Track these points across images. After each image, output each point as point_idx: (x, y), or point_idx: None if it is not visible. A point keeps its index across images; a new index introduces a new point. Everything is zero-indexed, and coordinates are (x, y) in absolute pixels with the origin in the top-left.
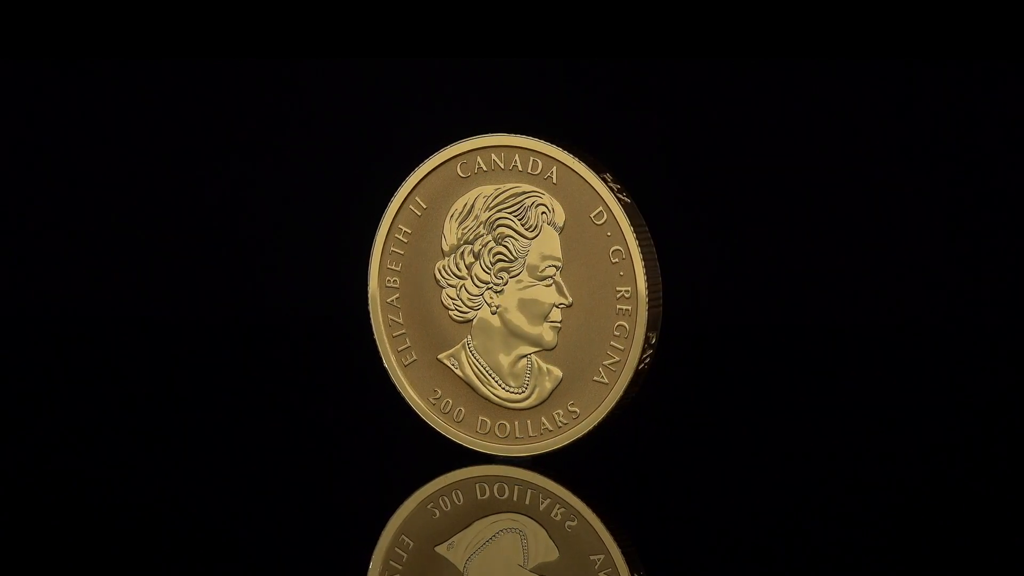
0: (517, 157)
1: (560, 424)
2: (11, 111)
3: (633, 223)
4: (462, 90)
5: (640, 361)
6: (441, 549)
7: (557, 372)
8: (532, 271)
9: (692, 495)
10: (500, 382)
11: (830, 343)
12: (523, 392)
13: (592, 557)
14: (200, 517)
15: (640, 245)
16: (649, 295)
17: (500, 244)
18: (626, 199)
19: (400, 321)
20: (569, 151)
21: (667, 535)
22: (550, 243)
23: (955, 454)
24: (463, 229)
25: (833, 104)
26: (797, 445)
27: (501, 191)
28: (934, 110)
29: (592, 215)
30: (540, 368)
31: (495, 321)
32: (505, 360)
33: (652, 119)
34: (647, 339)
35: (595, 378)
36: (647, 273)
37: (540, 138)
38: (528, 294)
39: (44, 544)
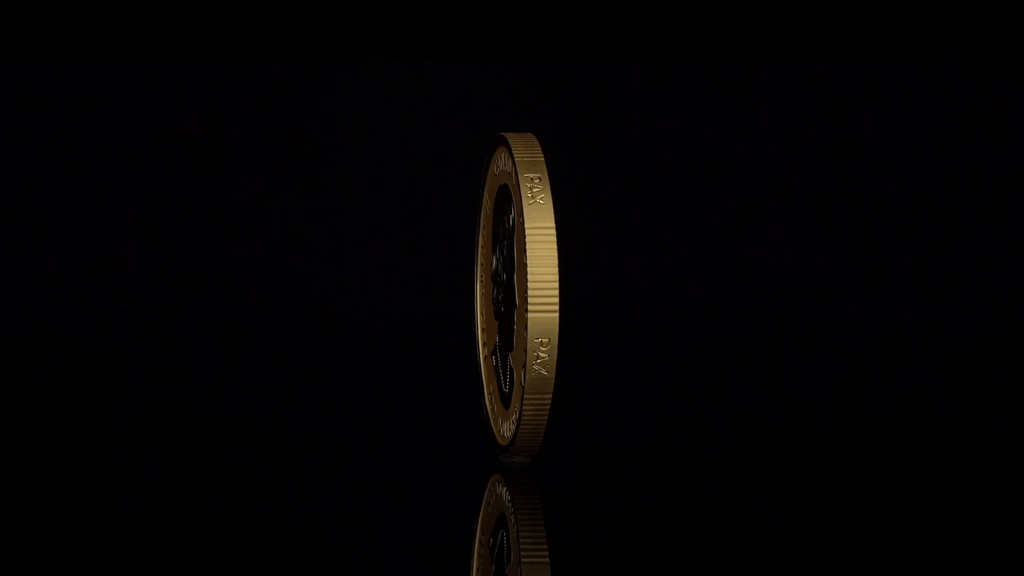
0: (505, 156)
1: (516, 426)
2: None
3: (533, 225)
4: (475, 90)
5: (530, 369)
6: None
7: (517, 375)
8: (511, 272)
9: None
10: (502, 381)
11: (763, 344)
12: (508, 391)
13: (525, 560)
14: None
15: (532, 249)
16: (530, 300)
17: (501, 243)
18: (540, 202)
19: (483, 315)
20: (517, 150)
21: (587, 546)
22: (513, 246)
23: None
24: (495, 229)
25: (783, 106)
26: (741, 449)
27: (504, 191)
28: (859, 107)
29: (519, 217)
30: (513, 370)
31: (502, 319)
32: (505, 359)
33: (651, 119)
34: (537, 344)
35: (520, 382)
36: (533, 277)
37: (506, 136)
38: (511, 294)
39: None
